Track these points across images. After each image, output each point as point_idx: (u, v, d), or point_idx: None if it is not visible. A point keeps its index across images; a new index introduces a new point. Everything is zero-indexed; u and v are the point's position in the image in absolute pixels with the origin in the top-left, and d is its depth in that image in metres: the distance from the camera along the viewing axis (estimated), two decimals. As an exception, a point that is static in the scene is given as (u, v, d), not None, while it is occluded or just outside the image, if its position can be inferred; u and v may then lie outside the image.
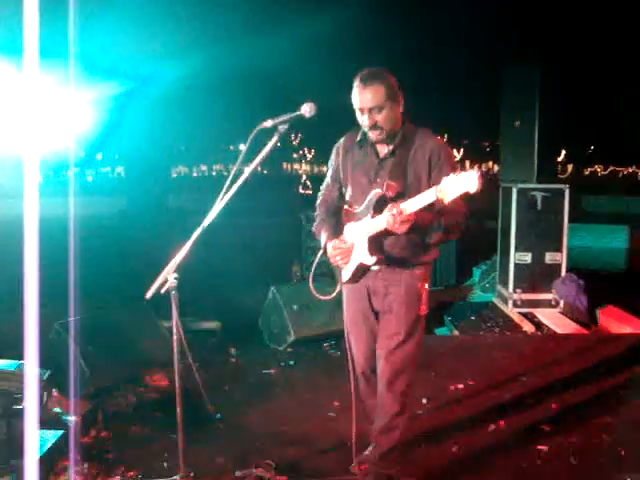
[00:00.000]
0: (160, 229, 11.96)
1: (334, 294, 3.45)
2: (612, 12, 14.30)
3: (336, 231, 3.35)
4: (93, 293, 5.43)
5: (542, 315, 7.25)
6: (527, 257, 7.42)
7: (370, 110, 3.06)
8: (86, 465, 3.66)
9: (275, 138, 2.92)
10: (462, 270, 9.26)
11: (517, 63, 7.88)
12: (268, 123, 2.89)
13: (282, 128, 2.91)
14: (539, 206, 7.34)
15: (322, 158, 46.57)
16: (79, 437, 3.92)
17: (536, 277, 7.42)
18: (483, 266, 8.86)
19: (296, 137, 45.30)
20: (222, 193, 2.89)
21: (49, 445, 3.61)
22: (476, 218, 10.94)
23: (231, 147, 40.88)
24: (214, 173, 51.78)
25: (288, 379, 5.26)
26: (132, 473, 3.64)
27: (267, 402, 4.77)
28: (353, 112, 3.20)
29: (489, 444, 4.00)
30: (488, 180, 2.66)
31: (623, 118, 24.25)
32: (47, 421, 3.89)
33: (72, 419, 3.86)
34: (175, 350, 3.07)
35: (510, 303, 7.44)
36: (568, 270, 7.46)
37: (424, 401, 4.62)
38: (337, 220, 3.40)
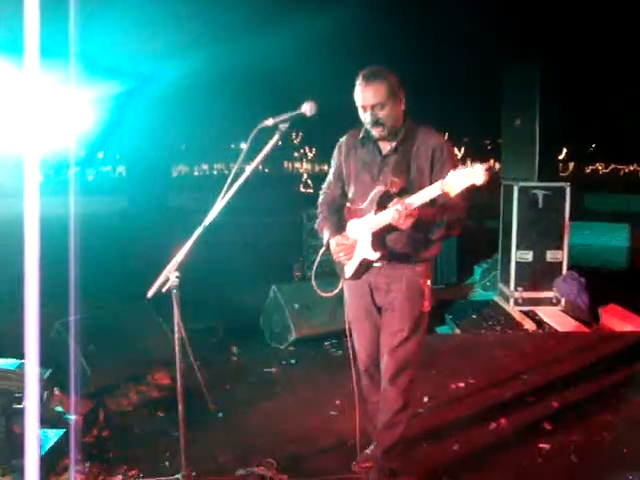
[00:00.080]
0: (161, 228, 11.96)
1: (336, 291, 3.47)
2: (612, 9, 14.28)
3: (338, 228, 3.37)
4: (94, 292, 5.44)
5: (543, 313, 7.25)
6: (528, 255, 7.42)
7: (373, 107, 3.09)
8: (88, 464, 3.66)
9: (276, 137, 2.92)
10: (463, 268, 9.26)
11: (518, 62, 7.87)
12: (269, 122, 2.90)
13: (283, 127, 2.91)
14: (540, 204, 7.34)
15: (323, 157, 46.54)
16: (81, 436, 3.92)
17: (537, 275, 7.42)
18: (484, 264, 8.86)
19: (297, 136, 45.26)
20: (223, 192, 2.90)
21: (51, 444, 3.62)
22: (477, 216, 10.93)
23: (232, 146, 40.82)
24: (215, 172, 51.72)
25: (289, 378, 5.26)
26: (134, 472, 3.65)
27: (268, 401, 4.77)
28: (354, 111, 3.22)
29: (490, 442, 4.01)
30: (495, 174, 2.68)
31: (624, 116, 24.22)
32: (49, 420, 3.89)
33: (73, 418, 3.86)
34: (177, 349, 3.07)
35: (511, 301, 7.44)
36: (569, 268, 7.46)
37: (425, 399, 4.62)
38: (339, 217, 3.44)
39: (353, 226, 3.29)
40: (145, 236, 11.83)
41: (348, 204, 3.36)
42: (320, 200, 3.56)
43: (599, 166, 49.29)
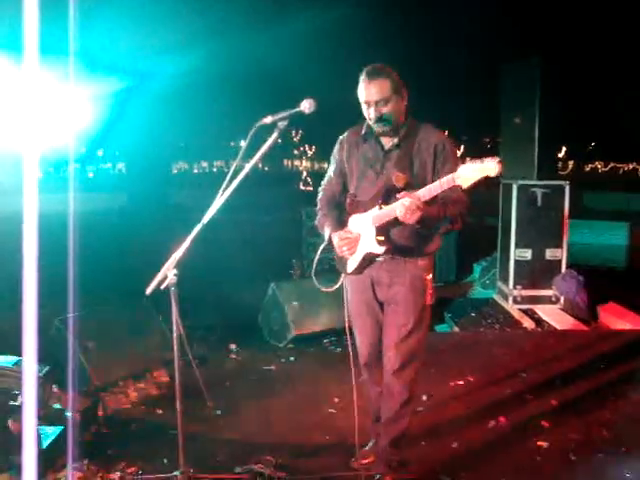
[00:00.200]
0: (160, 225, 11.95)
1: (336, 286, 3.50)
2: (610, 9, 14.28)
3: (339, 224, 3.40)
4: (93, 289, 5.43)
5: (542, 311, 7.26)
6: (527, 253, 7.42)
7: (376, 103, 3.13)
8: (86, 461, 3.66)
9: (275, 134, 2.93)
10: (462, 267, 9.27)
11: (517, 60, 7.87)
12: (268, 119, 2.90)
13: (282, 124, 2.91)
14: (539, 202, 7.34)
15: (323, 155, 46.51)
16: (79, 433, 3.92)
17: (536, 273, 7.43)
18: (483, 262, 8.86)
19: (297, 134, 45.27)
20: (222, 189, 2.90)
21: (49, 441, 3.62)
22: (477, 213, 10.93)
23: (232, 143, 40.81)
24: (215, 169, 51.68)
25: (288, 376, 5.27)
26: (132, 469, 3.65)
27: (267, 398, 4.77)
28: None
29: (489, 440, 4.01)
30: (503, 166, 2.74)
31: (624, 115, 24.22)
32: (47, 417, 3.89)
33: (71, 415, 3.86)
34: (175, 346, 3.07)
35: (510, 299, 7.45)
36: (568, 266, 7.47)
37: (424, 397, 4.62)
38: (340, 213, 3.46)
39: (355, 221, 3.31)
40: (144, 233, 11.83)
41: (349, 199, 3.38)
42: (319, 196, 3.57)
43: (598, 164, 49.27)
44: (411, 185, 3.09)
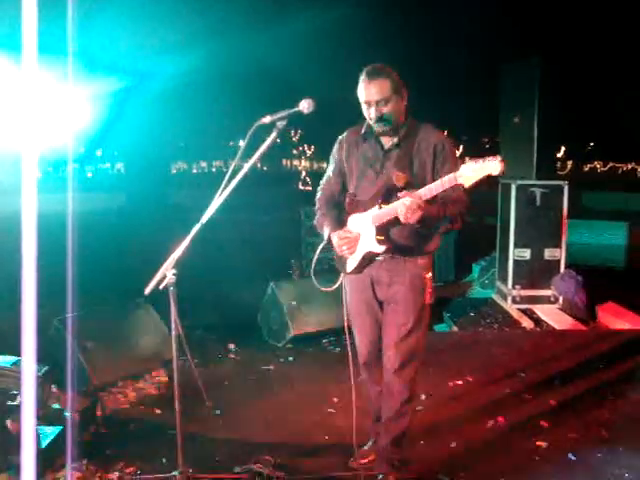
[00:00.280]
0: (159, 225, 11.95)
1: (335, 286, 3.50)
2: (608, 9, 14.29)
3: (339, 223, 3.40)
4: (92, 289, 5.43)
5: (541, 311, 7.26)
6: (526, 253, 7.43)
7: (377, 103, 3.14)
8: (85, 461, 3.66)
9: (274, 134, 2.93)
10: (461, 266, 9.27)
11: (516, 60, 7.88)
12: (266, 119, 2.90)
13: (280, 124, 2.92)
14: (538, 202, 7.35)
15: (322, 155, 46.54)
16: (78, 433, 3.92)
17: (535, 273, 7.43)
18: (482, 262, 8.86)
19: (296, 133, 45.29)
20: (221, 189, 2.90)
21: (48, 441, 3.62)
22: (477, 213, 10.95)
23: (231, 143, 40.82)
24: (214, 169, 51.71)
25: (287, 375, 5.26)
26: (131, 469, 3.65)
27: (266, 398, 4.77)
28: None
29: (488, 440, 4.01)
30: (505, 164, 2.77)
31: (623, 115, 24.24)
32: (46, 417, 3.89)
33: (69, 415, 3.85)
34: (174, 346, 3.07)
35: (509, 299, 7.45)
36: (567, 266, 7.47)
37: (423, 397, 4.62)
38: (339, 212, 3.47)
39: (355, 220, 3.32)
40: (143, 233, 11.83)
41: (349, 199, 3.38)
42: (318, 196, 3.57)
43: (597, 164, 49.33)
44: (411, 184, 3.10)
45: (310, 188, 28.40)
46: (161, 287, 2.95)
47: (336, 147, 3.49)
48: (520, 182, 7.37)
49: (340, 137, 3.48)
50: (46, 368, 4.00)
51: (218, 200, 2.91)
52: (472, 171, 2.78)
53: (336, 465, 3.61)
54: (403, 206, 2.90)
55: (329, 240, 3.40)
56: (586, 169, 48.73)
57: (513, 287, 7.42)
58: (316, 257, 3.57)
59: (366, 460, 3.62)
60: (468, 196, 3.13)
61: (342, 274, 3.48)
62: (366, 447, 3.70)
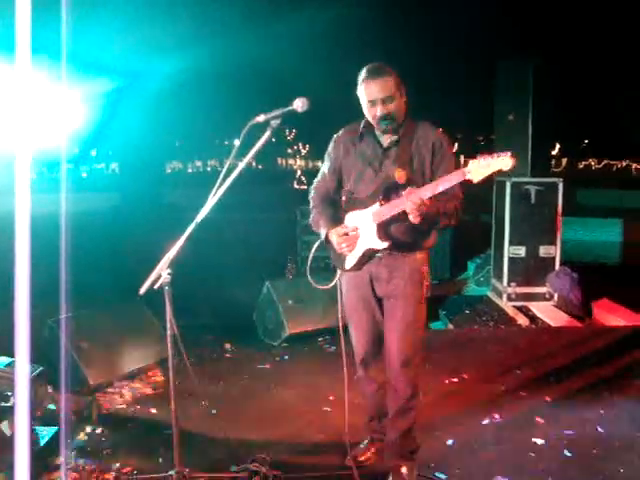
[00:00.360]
0: (154, 225, 11.92)
1: (332, 283, 3.50)
2: (606, 9, 14.32)
3: (335, 221, 3.40)
4: (86, 289, 5.42)
5: (536, 308, 7.28)
6: (521, 251, 7.44)
7: (383, 101, 3.15)
8: (81, 461, 3.66)
9: (268, 133, 2.93)
10: (456, 264, 9.29)
11: (512, 58, 7.88)
12: (260, 118, 2.91)
13: (274, 123, 2.91)
14: (533, 200, 7.36)
15: (317, 153, 46.50)
16: (74, 434, 3.92)
17: (530, 271, 7.45)
18: (477, 260, 8.89)
19: (290, 132, 45.26)
20: (215, 188, 2.90)
21: (43, 442, 3.61)
22: (472, 211, 10.95)
23: (225, 142, 40.77)
24: (209, 169, 51.60)
25: (283, 374, 5.26)
26: (127, 469, 3.64)
27: (262, 397, 4.77)
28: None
29: (483, 437, 4.02)
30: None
31: (617, 112, 24.29)
32: (42, 418, 3.89)
33: (64, 415, 3.85)
34: (169, 346, 3.07)
35: (504, 297, 7.46)
36: (562, 263, 7.49)
37: (419, 395, 4.63)
38: (335, 210, 3.46)
39: (353, 217, 3.32)
40: (138, 233, 11.79)
41: (346, 197, 3.38)
42: (312, 194, 3.56)
43: (592, 162, 49.38)
44: (412, 181, 3.11)
45: (305, 187, 28.20)
46: (156, 287, 2.95)
47: (332, 145, 3.48)
48: (515, 179, 7.38)
49: (336, 135, 3.48)
50: (40, 369, 4.00)
51: (213, 199, 2.91)
52: (481, 167, 2.81)
53: (332, 463, 3.61)
54: (412, 204, 2.92)
55: (326, 238, 3.40)
56: (581, 166, 48.76)
57: (508, 284, 7.44)
58: (312, 255, 3.57)
59: (363, 458, 3.62)
60: (463, 193, 3.16)
61: (338, 272, 3.48)
62: (362, 445, 3.70)
